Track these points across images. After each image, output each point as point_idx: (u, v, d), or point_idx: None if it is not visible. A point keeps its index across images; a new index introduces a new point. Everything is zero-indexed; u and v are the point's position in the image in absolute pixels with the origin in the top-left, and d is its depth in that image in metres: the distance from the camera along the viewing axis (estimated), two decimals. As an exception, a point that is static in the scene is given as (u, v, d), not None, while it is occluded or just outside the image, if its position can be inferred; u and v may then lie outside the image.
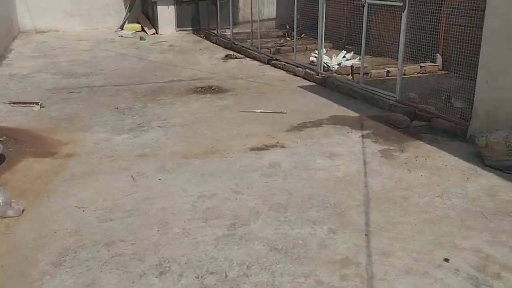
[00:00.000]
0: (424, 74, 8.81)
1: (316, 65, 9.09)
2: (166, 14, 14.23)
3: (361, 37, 7.76)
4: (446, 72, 8.54)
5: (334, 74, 8.84)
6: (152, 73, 9.68)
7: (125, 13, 15.21)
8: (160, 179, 4.73)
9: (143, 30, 14.68)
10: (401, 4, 6.91)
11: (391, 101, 7.17)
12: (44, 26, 14.39)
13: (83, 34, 14.25)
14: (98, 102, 7.60)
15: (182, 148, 5.56)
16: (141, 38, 13.49)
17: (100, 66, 10.21)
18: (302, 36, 11.77)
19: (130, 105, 7.42)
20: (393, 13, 8.36)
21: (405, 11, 6.81)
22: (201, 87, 8.46)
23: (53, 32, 14.44)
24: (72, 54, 11.44)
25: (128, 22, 15.06)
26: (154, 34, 14.42)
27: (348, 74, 8.72)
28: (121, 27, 14.88)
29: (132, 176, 4.77)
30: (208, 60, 11.05)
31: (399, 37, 6.99)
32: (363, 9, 7.65)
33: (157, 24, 14.32)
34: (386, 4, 8.01)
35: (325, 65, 9.03)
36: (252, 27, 11.67)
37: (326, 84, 8.54)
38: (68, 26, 14.67)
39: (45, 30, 14.40)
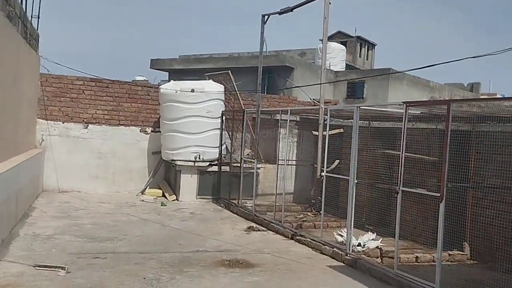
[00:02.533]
0: (453, 263, 8.69)
1: (344, 245, 8.87)
2: (188, 182, 14.31)
3: (395, 222, 7.70)
4: (476, 262, 8.58)
5: (363, 255, 8.54)
6: (176, 241, 9.45)
7: (148, 179, 15.27)
8: None
9: (163, 195, 14.66)
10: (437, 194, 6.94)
11: (431, 291, 6.85)
12: (68, 186, 14.41)
13: (105, 197, 14.08)
14: (124, 270, 7.34)
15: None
16: (162, 204, 13.53)
17: (124, 231, 10.00)
18: (320, 212, 11.55)
19: (158, 276, 7.12)
20: (417, 199, 8.63)
21: (443, 201, 6.74)
22: (228, 260, 8.23)
23: (76, 192, 14.33)
24: (95, 216, 11.30)
25: (150, 187, 15.14)
26: (174, 200, 14.25)
27: (377, 257, 8.51)
28: (143, 192, 14.94)
29: None
30: (231, 231, 10.86)
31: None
32: (396, 196, 7.63)
33: (179, 191, 14.32)
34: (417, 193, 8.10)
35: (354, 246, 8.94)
36: (276, 199, 11.67)
37: (356, 266, 8.27)
38: (91, 188, 14.71)
39: (68, 190, 14.32)
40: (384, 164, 10.42)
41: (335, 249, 8.82)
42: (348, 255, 8.46)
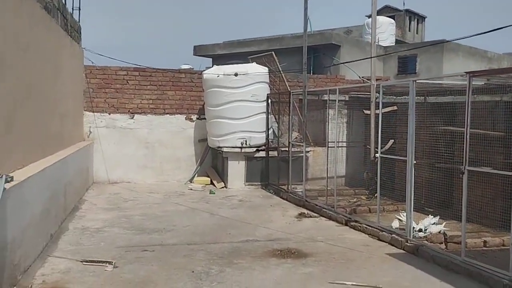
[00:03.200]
0: None
1: (403, 230, 8.17)
2: (236, 169, 13.98)
3: (458, 203, 7.31)
4: None
5: (425, 241, 7.85)
6: (225, 230, 9.07)
7: (195, 167, 15.04)
8: None
9: (211, 183, 14.42)
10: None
11: (504, 280, 6.09)
12: (117, 177, 14.46)
13: (154, 186, 13.98)
14: (172, 263, 7.03)
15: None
16: (211, 192, 13.28)
17: (172, 221, 9.70)
18: (374, 195, 11.22)
19: (207, 269, 6.80)
20: (482, 178, 8.04)
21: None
22: (280, 250, 7.75)
23: (125, 183, 14.34)
24: (144, 207, 11.12)
25: (198, 175, 14.90)
26: (223, 187, 14.01)
27: (441, 243, 7.80)
28: (191, 180, 14.73)
29: None
30: (281, 218, 10.38)
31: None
32: (462, 176, 6.87)
33: (227, 178, 14.03)
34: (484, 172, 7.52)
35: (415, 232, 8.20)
36: (327, 184, 11.08)
37: (418, 253, 7.57)
38: (139, 178, 14.64)
39: (117, 181, 14.38)
40: (443, 142, 9.68)
41: (394, 235, 8.21)
42: (409, 242, 7.84)
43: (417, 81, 7.81)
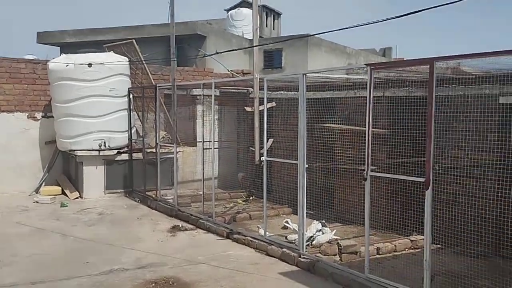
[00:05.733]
0: (417, 250, 7.30)
1: (295, 243, 7.33)
2: (93, 175, 11.97)
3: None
4: (439, 246, 6.87)
5: (319, 254, 6.97)
6: (83, 258, 7.29)
7: (42, 174, 12.78)
8: None
9: (63, 193, 12.30)
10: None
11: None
12: None
13: (-11, 200, 11.44)
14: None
15: None
16: (63, 205, 11.20)
17: (12, 249, 7.74)
18: (251, 198, 11.15)
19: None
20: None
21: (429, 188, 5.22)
22: (155, 282, 6.21)
23: None
24: (-27, 229, 8.87)
25: (45, 184, 12.58)
26: (77, 198, 12.01)
27: (335, 255, 6.96)
28: (37, 190, 12.47)
29: None
30: (151, 234, 8.87)
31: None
32: (364, 182, 5.99)
33: (82, 186, 12.03)
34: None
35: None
36: (203, 188, 9.76)
37: (315, 270, 6.59)
38: None
39: None
40: (323, 140, 9.09)
41: (284, 249, 7.25)
42: (302, 256, 6.95)
43: (307, 74, 6.94)
